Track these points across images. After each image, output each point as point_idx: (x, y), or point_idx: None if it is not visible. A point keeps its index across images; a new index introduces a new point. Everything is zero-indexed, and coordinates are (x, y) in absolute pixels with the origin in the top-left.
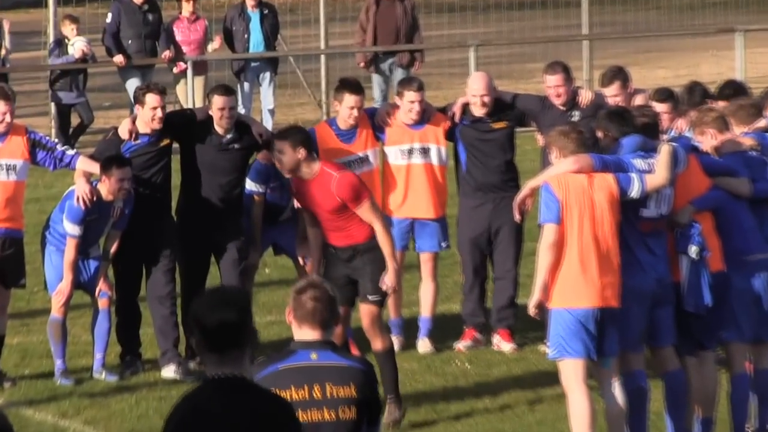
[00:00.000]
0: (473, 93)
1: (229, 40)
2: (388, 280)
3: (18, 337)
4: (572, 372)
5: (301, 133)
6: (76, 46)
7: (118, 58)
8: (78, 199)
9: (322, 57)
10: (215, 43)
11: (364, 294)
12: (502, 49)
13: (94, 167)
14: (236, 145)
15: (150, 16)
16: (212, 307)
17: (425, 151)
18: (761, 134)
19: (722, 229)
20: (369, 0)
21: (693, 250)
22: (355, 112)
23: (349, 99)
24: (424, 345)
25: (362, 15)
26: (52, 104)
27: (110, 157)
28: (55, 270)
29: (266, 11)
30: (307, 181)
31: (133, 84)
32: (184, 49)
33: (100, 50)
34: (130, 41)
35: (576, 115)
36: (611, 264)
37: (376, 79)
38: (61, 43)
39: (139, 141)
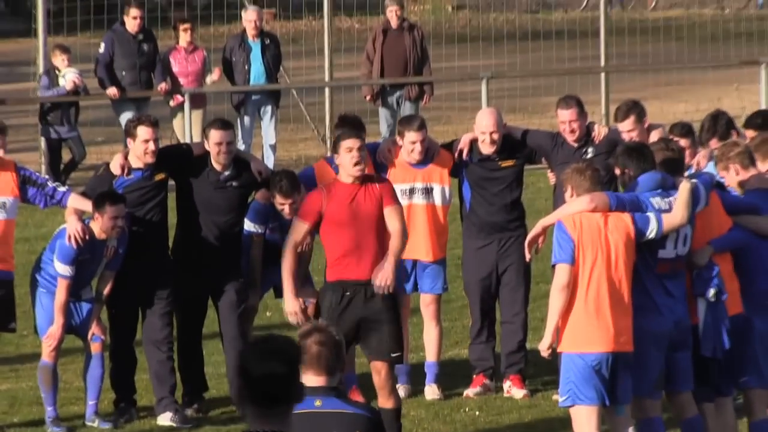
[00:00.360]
0: (482, 130)
1: (228, 71)
2: (380, 276)
3: (7, 383)
4: (585, 420)
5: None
6: (68, 77)
7: (112, 91)
8: (69, 237)
9: (327, 90)
10: (214, 75)
11: (382, 351)
12: (516, 82)
13: (87, 204)
14: (234, 183)
15: (145, 46)
16: (261, 357)
17: (428, 192)
18: None
19: (744, 270)
20: (376, 30)
21: (711, 293)
22: (355, 154)
23: (348, 142)
24: (431, 392)
25: (369, 45)
26: (42, 139)
27: (103, 194)
28: (46, 313)
29: (268, 41)
30: (348, 186)
31: (127, 118)
32: (182, 81)
33: (93, 82)
34: (124, 72)
35: (590, 152)
36: (625, 307)
37: (383, 113)
38: (51, 74)
39: (132, 176)
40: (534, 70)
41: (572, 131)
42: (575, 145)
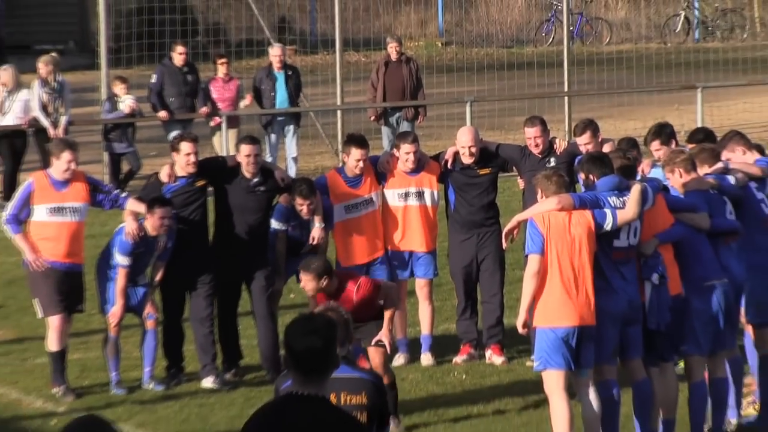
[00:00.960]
0: (462, 144)
1: (258, 97)
2: (383, 337)
3: (78, 353)
4: (554, 381)
5: (323, 264)
6: (126, 102)
7: (162, 114)
8: (127, 234)
9: (338, 112)
10: (246, 101)
11: (374, 340)
12: (494, 105)
13: (141, 207)
14: (262, 188)
15: (189, 77)
16: (302, 334)
17: (420, 195)
18: (721, 176)
19: (683, 258)
20: (379, 62)
21: (656, 277)
22: (361, 164)
23: (356, 152)
24: (426, 359)
25: (373, 75)
26: (105, 153)
27: (154, 198)
28: (110, 296)
29: (290, 72)
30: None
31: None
32: (219, 105)
33: (146, 107)
34: (172, 99)
35: (552, 161)
36: (588, 288)
37: (385, 131)
38: (112, 100)
39: (177, 183)
40: (509, 95)
41: (536, 145)
42: (539, 156)
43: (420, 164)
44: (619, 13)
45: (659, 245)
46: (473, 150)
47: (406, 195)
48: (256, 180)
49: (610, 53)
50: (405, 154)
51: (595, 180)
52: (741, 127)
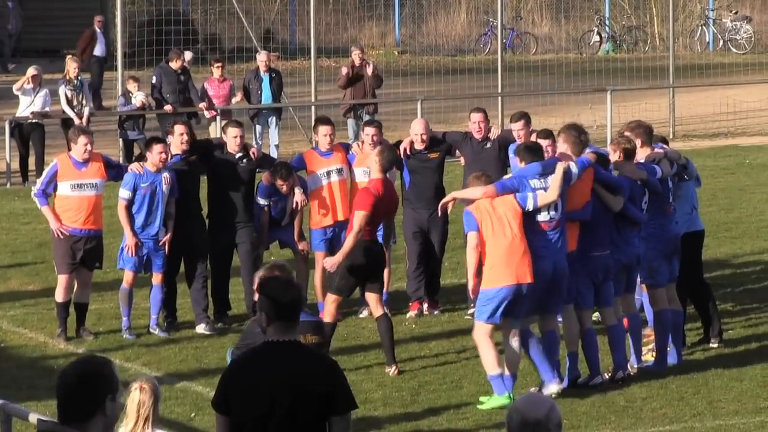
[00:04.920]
0: (415, 132)
1: (247, 95)
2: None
3: (95, 304)
4: (482, 330)
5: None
6: (138, 98)
7: (168, 107)
8: (131, 168)
9: (313, 107)
10: (237, 97)
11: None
12: (441, 103)
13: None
14: (244, 161)
15: (182, 78)
16: (285, 288)
17: None
18: (652, 169)
19: (581, 229)
20: (347, 67)
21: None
22: (329, 138)
23: (322, 129)
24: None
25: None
26: (120, 140)
27: (150, 138)
28: (121, 253)
29: (274, 75)
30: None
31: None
32: (215, 101)
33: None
34: (168, 95)
35: (488, 145)
36: (523, 252)
37: (350, 123)
38: (126, 95)
39: (173, 158)
40: (453, 95)
41: (479, 130)
42: (479, 139)
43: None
44: (543, 29)
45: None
46: (424, 137)
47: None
48: (239, 155)
49: (536, 61)
50: (368, 135)
51: (525, 165)
52: None
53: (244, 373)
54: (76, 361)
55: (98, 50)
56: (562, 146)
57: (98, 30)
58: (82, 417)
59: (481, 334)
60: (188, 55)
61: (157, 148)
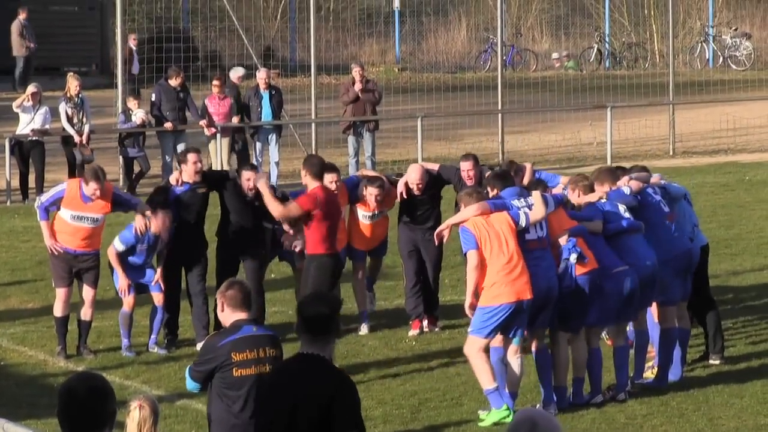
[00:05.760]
0: (412, 182)
1: (247, 112)
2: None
3: (96, 322)
4: (476, 344)
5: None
6: (138, 115)
7: (169, 125)
8: (136, 229)
9: (313, 124)
10: (235, 120)
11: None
12: (441, 120)
13: (149, 209)
14: (256, 203)
15: (181, 95)
16: (313, 303)
17: (381, 213)
18: (616, 190)
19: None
20: (347, 83)
21: (573, 257)
22: (333, 185)
23: (328, 177)
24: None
25: (342, 94)
26: (120, 157)
27: (158, 203)
28: (116, 279)
29: (274, 92)
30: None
31: (167, 144)
32: (215, 118)
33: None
34: (168, 113)
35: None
36: (521, 269)
37: (350, 140)
38: (126, 113)
39: (183, 187)
40: (453, 112)
41: (469, 177)
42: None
43: (384, 204)
44: (543, 46)
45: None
46: (420, 186)
47: (372, 216)
48: (251, 196)
49: (536, 78)
50: (370, 195)
51: (499, 192)
52: (642, 140)
53: (266, 382)
54: (78, 377)
55: (134, 68)
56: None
57: (133, 48)
58: (94, 429)
59: (474, 350)
60: (240, 71)
61: (161, 215)
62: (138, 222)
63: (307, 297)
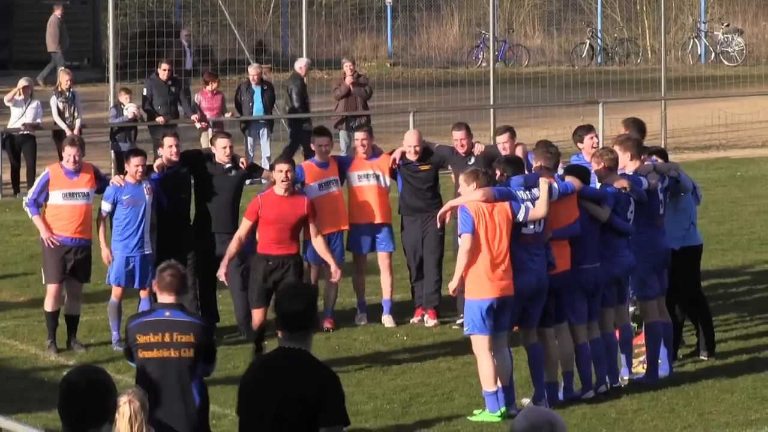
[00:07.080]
0: (408, 144)
1: (238, 107)
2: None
3: (86, 316)
4: (480, 343)
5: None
6: (129, 109)
7: (160, 119)
8: (113, 181)
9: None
10: (228, 114)
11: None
12: (433, 115)
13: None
14: (232, 172)
15: (173, 89)
16: (289, 298)
17: (376, 177)
18: (638, 179)
19: (571, 244)
20: (339, 79)
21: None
22: (324, 148)
23: (319, 140)
24: (387, 320)
25: (333, 89)
26: (112, 151)
27: (130, 150)
28: (113, 266)
29: (265, 87)
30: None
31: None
32: (207, 113)
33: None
34: (159, 107)
35: (472, 160)
36: (506, 265)
37: (342, 135)
38: (118, 107)
39: (165, 171)
40: (445, 107)
41: (462, 146)
42: (463, 155)
43: (375, 152)
44: (535, 41)
45: (553, 239)
46: (417, 149)
47: (366, 176)
48: (227, 166)
49: (528, 74)
50: (357, 141)
51: (509, 177)
52: None
53: (246, 377)
54: (79, 370)
55: (188, 63)
56: (536, 163)
57: (185, 43)
58: (95, 423)
59: (480, 348)
60: (303, 61)
61: (134, 160)
62: (115, 178)
63: (282, 292)
